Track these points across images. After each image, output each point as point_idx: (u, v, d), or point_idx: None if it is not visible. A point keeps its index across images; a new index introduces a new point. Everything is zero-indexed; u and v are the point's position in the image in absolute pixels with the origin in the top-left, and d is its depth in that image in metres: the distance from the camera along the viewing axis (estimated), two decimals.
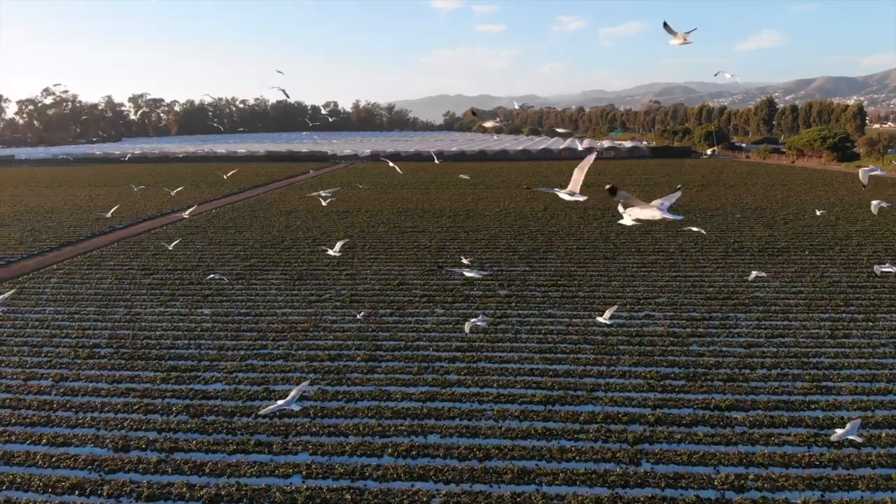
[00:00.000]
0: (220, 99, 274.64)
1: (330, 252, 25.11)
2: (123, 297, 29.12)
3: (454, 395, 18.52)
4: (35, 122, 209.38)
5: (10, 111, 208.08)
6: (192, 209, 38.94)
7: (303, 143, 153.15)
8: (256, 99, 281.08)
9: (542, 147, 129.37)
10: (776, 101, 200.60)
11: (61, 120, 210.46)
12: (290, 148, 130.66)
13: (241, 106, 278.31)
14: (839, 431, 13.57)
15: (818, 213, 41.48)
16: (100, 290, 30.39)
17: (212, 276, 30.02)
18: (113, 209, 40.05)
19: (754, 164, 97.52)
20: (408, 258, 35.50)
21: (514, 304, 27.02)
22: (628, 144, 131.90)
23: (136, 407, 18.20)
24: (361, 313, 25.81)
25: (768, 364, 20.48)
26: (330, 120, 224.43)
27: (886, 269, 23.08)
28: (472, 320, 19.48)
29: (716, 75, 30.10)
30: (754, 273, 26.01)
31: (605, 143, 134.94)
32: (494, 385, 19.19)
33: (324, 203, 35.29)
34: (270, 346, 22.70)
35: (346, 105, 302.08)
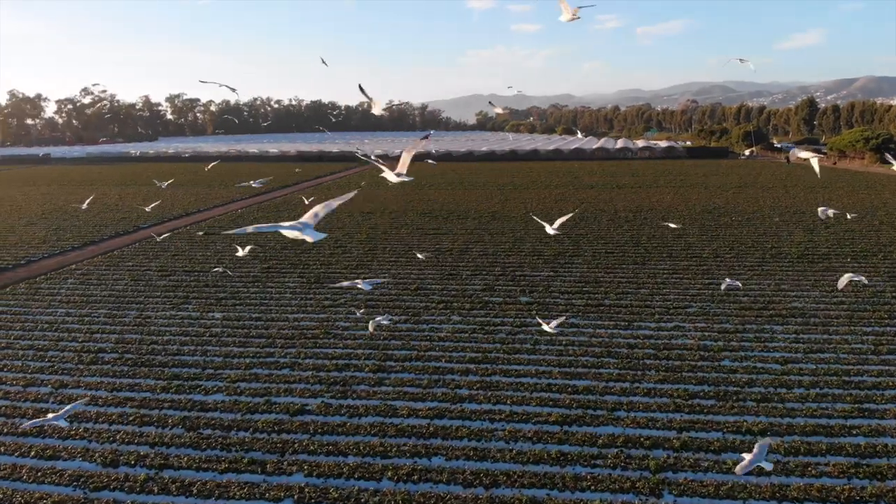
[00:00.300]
0: (256, 99, 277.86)
1: (238, 253, 25.12)
2: (137, 299, 28.60)
3: (464, 413, 17.36)
4: (74, 122, 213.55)
5: (50, 110, 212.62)
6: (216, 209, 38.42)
7: (334, 143, 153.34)
8: (291, 99, 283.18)
9: (574, 147, 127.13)
10: (817, 100, 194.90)
11: (99, 119, 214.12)
12: (321, 148, 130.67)
13: (276, 106, 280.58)
14: (746, 458, 11.47)
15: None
16: (114, 291, 29.93)
17: (216, 269, 29.54)
18: (153, 204, 40.33)
19: (794, 166, 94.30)
20: (428, 262, 34.44)
21: (535, 311, 25.74)
22: (664, 144, 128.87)
23: (131, 418, 17.44)
24: (361, 311, 25.26)
25: (806, 383, 18.90)
26: (335, 119, 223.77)
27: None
28: (378, 318, 18.88)
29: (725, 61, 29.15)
30: (727, 281, 24.23)
31: (640, 143, 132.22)
32: (508, 402, 18.00)
33: (255, 184, 34.44)
34: (278, 354, 21.82)
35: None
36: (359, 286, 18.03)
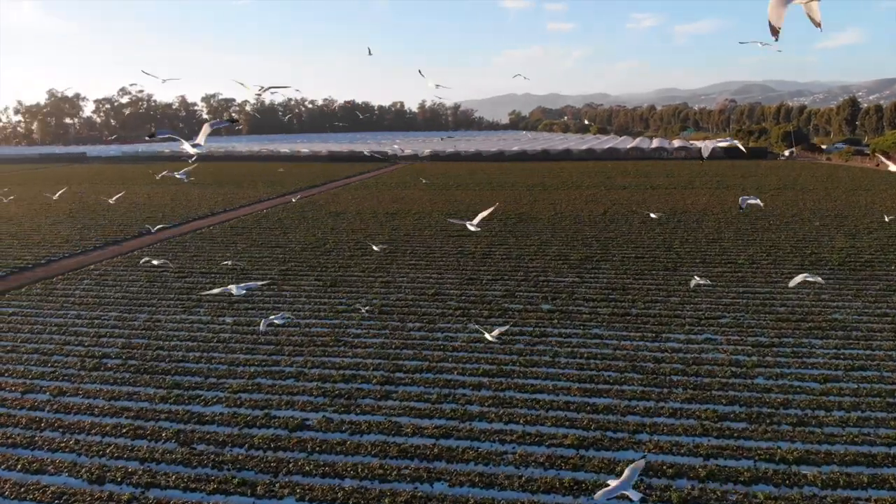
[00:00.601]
0: (290, 100, 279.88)
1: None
2: (150, 301, 28.04)
3: (472, 433, 16.21)
4: (112, 121, 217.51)
5: (88, 109, 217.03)
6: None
7: (366, 143, 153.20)
8: (325, 99, 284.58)
9: (608, 146, 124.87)
10: (859, 100, 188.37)
11: (137, 118, 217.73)
12: (351, 148, 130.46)
13: (310, 106, 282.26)
14: (611, 483, 10.21)
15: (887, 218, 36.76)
16: (129, 293, 29.45)
17: (226, 262, 29.05)
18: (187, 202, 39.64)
19: (835, 167, 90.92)
20: (448, 265, 33.32)
21: (556, 320, 24.48)
22: (723, 143, 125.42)
23: (125, 429, 16.67)
24: (366, 307, 24.92)
25: (847, 405, 17.33)
26: (365, 118, 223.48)
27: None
28: (272, 317, 18.16)
29: (741, 43, 28.01)
30: (696, 279, 23.21)
31: (676, 143, 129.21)
32: (521, 421, 16.79)
33: (177, 175, 33.85)
34: (284, 363, 20.94)
35: (412, 105, 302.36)
36: (231, 292, 17.02)
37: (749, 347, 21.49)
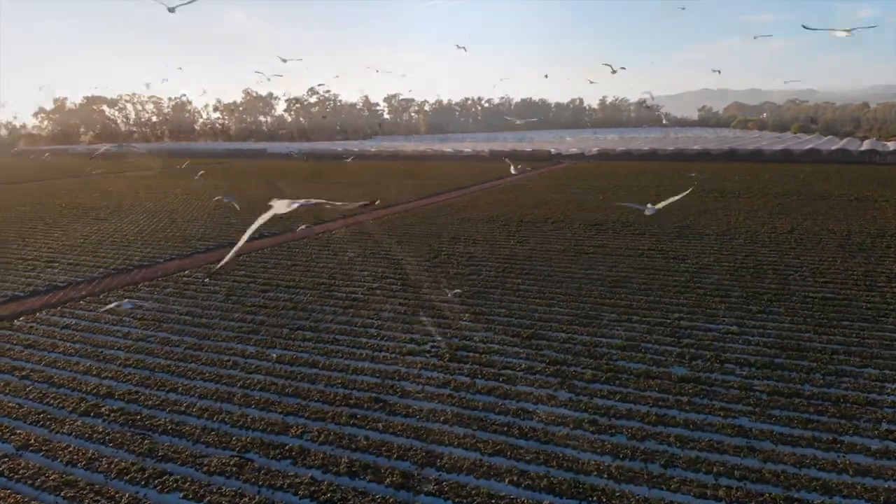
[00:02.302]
0: (467, 99, 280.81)
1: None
2: (208, 324, 24.28)
3: None
4: (301, 119, 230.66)
5: (280, 108, 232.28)
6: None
7: (531, 141, 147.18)
8: (501, 98, 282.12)
9: (808, 147, 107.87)
10: None
11: (322, 117, 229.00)
12: (514, 147, 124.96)
13: (486, 105, 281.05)
14: None
15: None
16: (190, 310, 26.05)
17: (218, 198, 25.02)
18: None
19: None
20: (564, 295, 26.52)
21: (687, 398, 17.08)
22: None
23: None
24: (455, 291, 23.17)
25: None
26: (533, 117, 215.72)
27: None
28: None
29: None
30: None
31: (892, 146, 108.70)
32: None
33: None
34: (293, 432, 15.81)
35: (592, 102, 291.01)
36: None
37: None
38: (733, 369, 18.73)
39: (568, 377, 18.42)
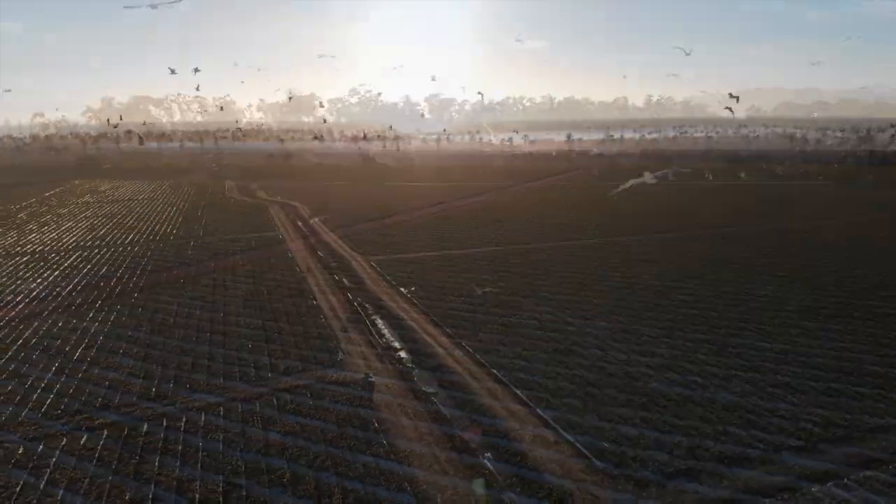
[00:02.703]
0: (508, 98, 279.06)
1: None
2: (223, 329, 23.18)
3: None
4: (342, 119, 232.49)
5: (322, 110, 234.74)
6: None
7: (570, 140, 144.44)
8: (542, 97, 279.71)
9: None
10: None
11: (363, 117, 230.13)
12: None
13: (528, 104, 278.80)
14: None
15: None
16: (228, 310, 24.91)
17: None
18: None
19: None
20: (604, 306, 24.48)
21: (723, 438, 15.12)
22: None
23: None
24: (485, 289, 23.44)
25: None
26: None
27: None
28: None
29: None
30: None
31: None
32: None
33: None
34: None
35: (637, 101, 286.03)
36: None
37: None
38: (781, 399, 16.66)
39: (590, 407, 16.63)
